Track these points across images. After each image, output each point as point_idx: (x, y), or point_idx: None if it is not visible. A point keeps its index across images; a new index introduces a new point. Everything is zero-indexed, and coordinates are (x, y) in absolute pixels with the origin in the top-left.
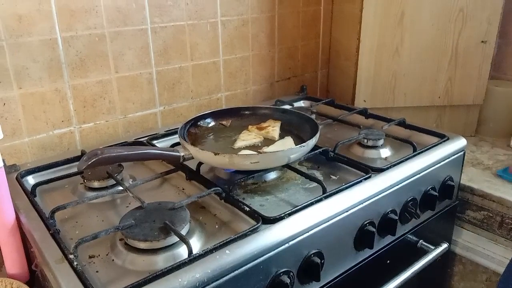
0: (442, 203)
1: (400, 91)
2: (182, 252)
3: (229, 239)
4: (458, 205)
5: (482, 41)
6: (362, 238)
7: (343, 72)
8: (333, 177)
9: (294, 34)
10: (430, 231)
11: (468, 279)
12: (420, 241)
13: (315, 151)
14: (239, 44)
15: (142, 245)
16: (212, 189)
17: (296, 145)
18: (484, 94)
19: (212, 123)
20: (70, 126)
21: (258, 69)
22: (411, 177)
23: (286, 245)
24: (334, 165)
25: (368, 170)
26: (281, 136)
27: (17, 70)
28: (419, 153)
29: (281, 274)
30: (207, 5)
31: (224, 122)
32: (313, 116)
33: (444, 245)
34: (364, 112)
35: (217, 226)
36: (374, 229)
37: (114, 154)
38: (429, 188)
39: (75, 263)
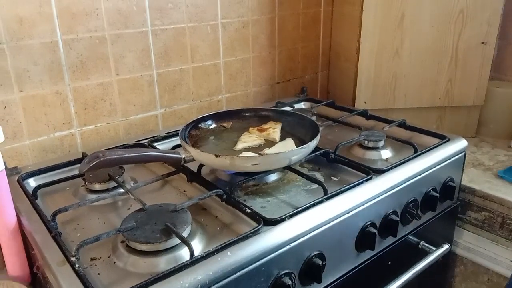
0: (443, 204)
1: (401, 93)
2: (183, 254)
3: (230, 241)
4: (459, 206)
5: (482, 42)
6: (363, 240)
7: (343, 73)
8: (334, 178)
9: (294, 36)
10: (431, 232)
11: (470, 280)
12: (421, 242)
13: (316, 153)
14: (239, 46)
15: (143, 247)
16: (213, 191)
17: (297, 147)
18: (485, 95)
19: (213, 125)
20: (71, 128)
21: (258, 70)
22: (412, 178)
23: (288, 246)
24: (335, 167)
25: (369, 172)
26: (282, 138)
27: (18, 73)
28: (420, 154)
29: (283, 275)
30: (207, 8)
31: (225, 124)
32: (314, 118)
33: (445, 246)
34: (364, 114)
35: (218, 228)
36: (375, 230)
37: (115, 156)
38: (430, 189)
39: (77, 265)
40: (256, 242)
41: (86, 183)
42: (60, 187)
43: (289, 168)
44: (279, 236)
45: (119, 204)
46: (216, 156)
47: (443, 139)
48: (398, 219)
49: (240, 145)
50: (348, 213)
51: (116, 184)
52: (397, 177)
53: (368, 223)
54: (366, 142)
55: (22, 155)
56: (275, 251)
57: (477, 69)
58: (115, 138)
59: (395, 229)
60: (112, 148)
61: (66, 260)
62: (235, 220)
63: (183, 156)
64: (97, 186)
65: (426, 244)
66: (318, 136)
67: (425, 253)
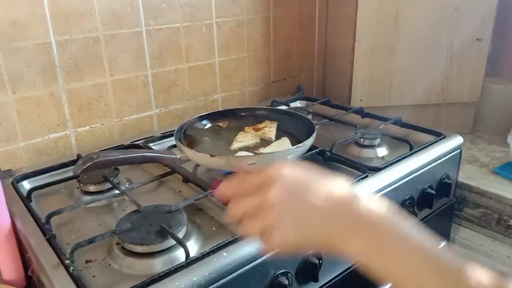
0: (439, 201)
1: (396, 90)
2: (179, 255)
3: (226, 241)
4: (456, 203)
5: (477, 39)
6: None
7: (339, 72)
8: None
9: (289, 34)
10: (428, 229)
11: None
12: None
13: (312, 151)
14: (234, 45)
15: (139, 249)
16: (209, 191)
17: (292, 146)
18: (480, 92)
19: (209, 125)
20: (65, 130)
21: (254, 70)
22: (408, 176)
23: None
24: (331, 165)
25: (365, 170)
26: (278, 137)
27: (12, 75)
28: (415, 152)
29: (279, 275)
30: (202, 7)
31: (220, 124)
32: (310, 116)
33: (442, 243)
34: (360, 112)
35: (214, 229)
36: None
37: (110, 157)
38: (426, 186)
39: (72, 268)
40: (252, 242)
41: (81, 184)
42: (54, 189)
43: None
44: None
45: (115, 206)
46: (212, 156)
47: (439, 136)
48: None
49: (235, 145)
50: None
51: (111, 186)
52: (393, 175)
53: None
54: (362, 140)
55: (16, 157)
56: (271, 251)
57: (473, 66)
58: (110, 139)
59: None
60: (107, 149)
61: (61, 263)
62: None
63: (178, 156)
64: (92, 188)
65: None
66: (314, 135)
67: None
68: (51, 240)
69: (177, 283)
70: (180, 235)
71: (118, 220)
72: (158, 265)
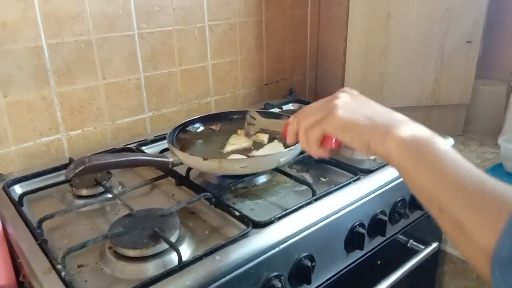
0: None
1: (388, 92)
2: (172, 259)
3: (219, 245)
4: None
5: (468, 41)
6: (353, 240)
7: (331, 74)
8: (323, 179)
9: (281, 37)
10: (419, 230)
11: (459, 278)
12: (410, 241)
13: (304, 154)
14: (227, 48)
15: (131, 253)
16: (202, 195)
17: (285, 149)
18: (471, 94)
19: (201, 128)
20: (57, 133)
21: (246, 73)
22: (400, 178)
23: (277, 249)
24: (323, 168)
25: (357, 172)
26: (270, 140)
27: (3, 78)
28: None
29: (272, 278)
30: (194, 10)
31: (213, 127)
32: None
33: (434, 244)
34: None
35: (207, 232)
36: (364, 231)
37: (102, 161)
38: None
39: (63, 273)
40: (245, 245)
41: (73, 188)
42: (46, 194)
43: (277, 170)
44: (268, 238)
45: (107, 210)
46: (204, 159)
47: None
48: (386, 218)
49: (228, 148)
50: (337, 213)
51: (103, 189)
52: (385, 177)
53: (356, 223)
54: None
55: (8, 161)
56: (264, 254)
57: (463, 68)
58: (103, 142)
59: (383, 229)
60: (100, 152)
61: (53, 267)
62: (224, 223)
63: (171, 159)
64: (84, 192)
65: (415, 243)
66: None
67: (414, 252)
68: (43, 245)
69: (169, 287)
70: (173, 239)
71: (111, 224)
72: (150, 269)
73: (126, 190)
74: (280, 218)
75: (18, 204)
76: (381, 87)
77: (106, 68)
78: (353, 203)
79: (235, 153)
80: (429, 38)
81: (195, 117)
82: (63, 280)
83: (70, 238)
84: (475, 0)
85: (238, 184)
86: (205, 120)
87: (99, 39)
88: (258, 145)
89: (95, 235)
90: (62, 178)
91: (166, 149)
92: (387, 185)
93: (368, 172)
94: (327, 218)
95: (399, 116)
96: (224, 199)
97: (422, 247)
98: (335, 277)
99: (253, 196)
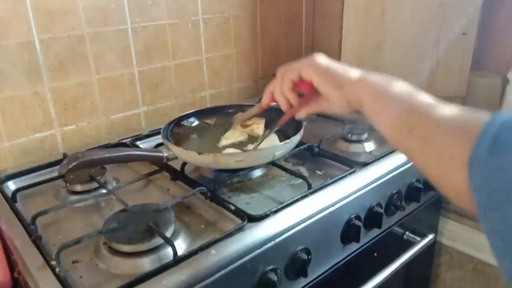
0: (427, 194)
1: None
2: (167, 253)
3: (214, 239)
4: (443, 196)
5: (463, 33)
6: (349, 232)
7: None
8: (319, 172)
9: (276, 31)
10: (415, 222)
11: (455, 269)
12: (406, 232)
13: (300, 147)
14: (221, 42)
15: (126, 248)
16: (197, 189)
17: (280, 142)
18: (466, 86)
19: (196, 122)
20: (51, 129)
21: (241, 66)
22: (396, 170)
23: (273, 242)
24: (319, 161)
25: (353, 165)
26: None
27: None
28: None
29: (269, 271)
30: (187, 4)
31: (208, 121)
32: None
33: (430, 236)
34: None
35: (203, 226)
36: (360, 223)
37: (96, 157)
38: (413, 180)
39: (57, 269)
40: (240, 239)
41: (67, 184)
42: (40, 189)
43: (273, 163)
44: (263, 232)
45: (102, 205)
46: (199, 153)
47: None
48: (382, 211)
49: (223, 142)
50: (333, 206)
51: (98, 185)
52: (381, 170)
53: (353, 216)
54: (349, 135)
55: (1, 157)
56: (260, 247)
57: (459, 61)
58: (97, 137)
59: (379, 221)
60: (94, 148)
61: (47, 264)
62: (220, 217)
63: (165, 154)
64: (78, 188)
65: (411, 235)
66: (302, 131)
67: (410, 244)
68: (37, 241)
69: (164, 282)
70: (168, 233)
71: (105, 220)
72: (146, 264)
73: (121, 185)
74: (275, 211)
75: (11, 200)
76: None
77: (100, 63)
78: (349, 196)
79: (230, 147)
80: (424, 31)
81: (189, 112)
82: (57, 276)
83: (64, 234)
84: None
85: (234, 178)
86: (200, 114)
87: (92, 34)
88: (253, 139)
89: (90, 230)
90: (56, 174)
91: (161, 144)
92: (382, 178)
93: (364, 164)
94: (323, 211)
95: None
96: (220, 193)
97: (418, 239)
98: (331, 270)
99: (249, 190)
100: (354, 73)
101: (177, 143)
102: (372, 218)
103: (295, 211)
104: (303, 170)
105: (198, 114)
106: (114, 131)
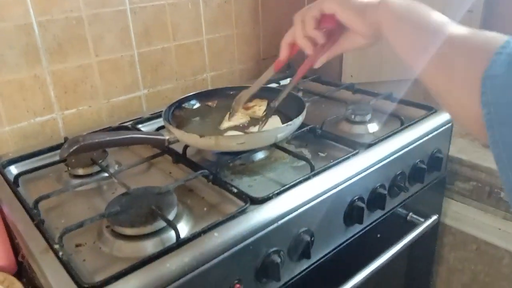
0: (431, 175)
1: (387, 65)
2: (170, 236)
3: (217, 222)
4: (447, 177)
5: (469, 11)
6: (352, 214)
7: None
8: (321, 154)
9: (278, 10)
10: (419, 203)
11: (458, 249)
12: (410, 214)
13: (303, 129)
14: (222, 22)
15: (128, 231)
16: (199, 172)
17: (283, 124)
18: None
19: (198, 105)
20: (52, 113)
21: (243, 47)
22: (399, 151)
23: (275, 224)
24: (322, 142)
25: (356, 146)
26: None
27: None
28: (407, 127)
29: (272, 253)
30: None
31: (209, 103)
32: (300, 94)
33: (434, 217)
34: (351, 88)
35: (205, 209)
36: (363, 205)
37: (97, 140)
38: (417, 161)
39: (60, 253)
40: (243, 221)
41: (69, 168)
42: (42, 174)
43: (275, 145)
44: (266, 214)
45: (104, 189)
46: (201, 136)
47: (430, 110)
48: (386, 192)
49: (225, 124)
50: (336, 188)
51: (99, 169)
52: (384, 151)
53: (356, 198)
54: (352, 116)
55: (2, 142)
56: (263, 230)
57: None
58: (98, 121)
59: (383, 203)
60: (95, 131)
61: (50, 247)
62: (222, 200)
63: (167, 137)
64: (80, 171)
65: (415, 216)
66: (304, 112)
67: (413, 225)
68: (39, 225)
69: (168, 265)
70: (171, 216)
71: (108, 203)
72: (149, 247)
73: (123, 168)
74: (278, 194)
75: (13, 184)
76: (380, 60)
77: (99, 45)
78: (352, 178)
79: (232, 130)
80: None
81: (191, 94)
82: (60, 259)
83: (67, 217)
84: None
85: (236, 161)
86: (202, 96)
87: (90, 15)
88: (255, 121)
89: (92, 214)
90: (57, 157)
91: (162, 127)
92: (386, 159)
93: (367, 146)
94: (326, 193)
95: None
96: (222, 176)
97: (422, 220)
98: (334, 251)
99: (251, 173)
100: None
101: (179, 126)
102: (375, 200)
103: (298, 193)
104: (305, 152)
105: (199, 96)
106: (115, 114)
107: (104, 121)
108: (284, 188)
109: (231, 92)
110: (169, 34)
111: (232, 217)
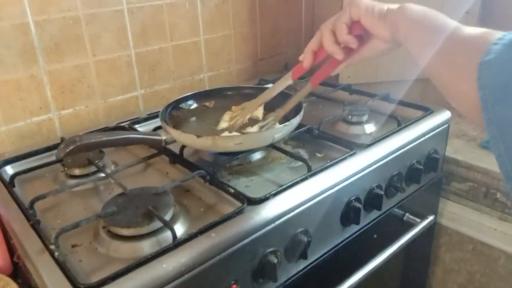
0: (427, 176)
1: (384, 66)
2: (167, 237)
3: (214, 222)
4: (444, 177)
5: (466, 12)
6: (349, 214)
7: None
8: (318, 154)
9: (275, 10)
10: (416, 204)
11: (455, 250)
12: (406, 214)
13: (300, 130)
14: (219, 22)
15: (125, 232)
16: (196, 172)
17: (280, 124)
18: None
19: (195, 105)
20: (48, 113)
21: (240, 47)
22: (396, 152)
23: (272, 225)
24: (319, 143)
25: (353, 147)
26: (265, 116)
27: None
28: (403, 127)
29: (268, 254)
30: None
31: (207, 104)
32: None
33: (430, 217)
34: (348, 88)
35: (202, 210)
36: (360, 205)
37: (93, 140)
38: (414, 161)
39: (56, 253)
40: (240, 222)
41: (66, 168)
42: (39, 174)
43: (273, 146)
44: (263, 215)
45: (101, 189)
46: (198, 136)
47: (427, 111)
48: (382, 193)
49: (222, 125)
50: (332, 189)
51: (96, 169)
52: (381, 151)
53: (352, 198)
54: (349, 117)
55: None
56: (260, 230)
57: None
58: (95, 121)
59: (379, 203)
60: (92, 131)
61: (46, 248)
62: (219, 200)
63: (163, 137)
64: (76, 171)
65: (411, 216)
66: (301, 113)
67: (410, 225)
68: (35, 226)
69: (164, 266)
70: (167, 217)
71: (104, 204)
72: (145, 247)
73: (119, 169)
74: (275, 194)
75: (9, 184)
76: (377, 61)
77: (96, 45)
78: (349, 178)
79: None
80: None
81: (188, 94)
82: (56, 260)
83: (63, 218)
84: None
85: (233, 161)
86: (199, 96)
87: (87, 15)
88: (253, 121)
89: (89, 214)
90: (54, 158)
91: (159, 127)
92: (383, 160)
93: (364, 146)
94: (323, 194)
95: None
96: (219, 176)
97: (418, 220)
98: (331, 252)
99: (248, 173)
100: (395, 4)
101: (176, 126)
102: (372, 200)
103: (295, 193)
104: (303, 153)
105: (196, 96)
106: (112, 114)
107: (101, 121)
108: (281, 188)
109: (229, 93)
110: (166, 34)
111: (229, 217)
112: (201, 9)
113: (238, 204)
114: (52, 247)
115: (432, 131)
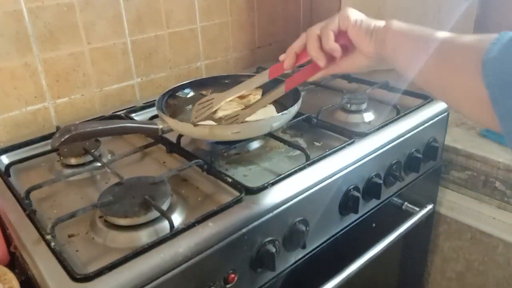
0: (426, 165)
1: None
2: (164, 226)
3: (211, 212)
4: (443, 166)
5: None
6: (347, 203)
7: None
8: (317, 143)
9: None
10: (414, 193)
11: (453, 238)
12: (405, 203)
13: (298, 118)
14: (216, 9)
15: (122, 221)
16: (193, 162)
17: (278, 113)
18: None
19: (192, 93)
20: (43, 101)
21: (238, 35)
22: (395, 140)
23: (270, 214)
24: (317, 132)
25: (352, 135)
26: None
27: None
28: (402, 116)
29: (267, 243)
30: None
31: (204, 92)
32: None
33: (429, 206)
34: (347, 76)
35: (199, 199)
36: (358, 194)
37: (88, 129)
38: (413, 150)
39: (53, 243)
40: (238, 211)
41: (61, 157)
42: (34, 163)
43: (271, 135)
44: (261, 204)
45: (97, 178)
46: (195, 125)
47: (426, 99)
48: (381, 181)
49: (220, 113)
50: (331, 178)
51: (92, 158)
52: (380, 140)
53: (351, 187)
54: (348, 105)
55: None
56: (258, 219)
57: (460, 26)
58: (91, 110)
59: (378, 192)
60: (88, 120)
61: (42, 238)
62: (217, 190)
63: (160, 126)
64: (72, 161)
65: (410, 205)
66: (299, 101)
67: (409, 214)
68: (31, 216)
69: (162, 255)
70: (164, 206)
71: (100, 193)
72: (142, 237)
73: (116, 158)
74: (273, 183)
75: (4, 174)
76: None
77: (91, 33)
78: (348, 167)
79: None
80: None
81: (185, 82)
82: (52, 250)
83: (59, 208)
84: None
85: (231, 150)
86: (196, 85)
87: (82, 2)
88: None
89: (85, 204)
90: (49, 147)
91: (156, 116)
92: (381, 148)
93: (363, 135)
94: (321, 183)
95: None
96: (217, 165)
97: (417, 209)
98: (329, 241)
99: (246, 162)
100: (382, 21)
101: (172, 115)
102: (370, 189)
103: (293, 182)
104: (301, 142)
105: (193, 85)
106: (108, 103)
107: (97, 110)
108: (279, 177)
109: (226, 81)
110: (162, 21)
111: (227, 207)
112: None
113: (236, 193)
114: (49, 237)
115: (432, 119)
